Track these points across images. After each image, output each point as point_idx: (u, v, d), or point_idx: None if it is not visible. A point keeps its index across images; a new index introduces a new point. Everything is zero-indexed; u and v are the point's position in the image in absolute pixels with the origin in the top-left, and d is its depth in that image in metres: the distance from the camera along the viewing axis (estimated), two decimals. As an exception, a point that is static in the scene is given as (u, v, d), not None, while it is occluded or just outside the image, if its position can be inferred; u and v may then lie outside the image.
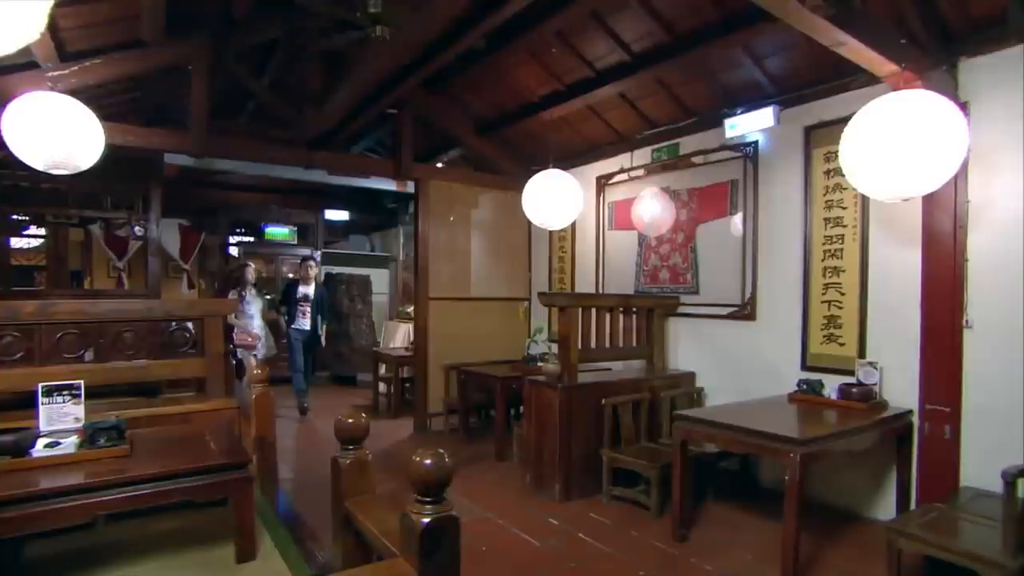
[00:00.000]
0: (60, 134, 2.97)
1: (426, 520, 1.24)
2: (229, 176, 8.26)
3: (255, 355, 5.98)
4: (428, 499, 1.26)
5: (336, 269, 8.91)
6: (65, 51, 3.81)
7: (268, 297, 6.74)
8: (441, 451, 1.28)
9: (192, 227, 8.40)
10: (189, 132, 4.65)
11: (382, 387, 6.83)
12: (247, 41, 4.75)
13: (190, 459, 2.34)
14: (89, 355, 3.17)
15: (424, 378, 5.75)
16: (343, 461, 1.71)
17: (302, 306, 6.39)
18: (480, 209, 6.22)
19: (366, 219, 10.58)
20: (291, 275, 8.65)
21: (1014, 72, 2.96)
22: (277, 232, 9.72)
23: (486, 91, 5.47)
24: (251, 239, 9.67)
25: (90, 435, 2.35)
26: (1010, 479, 2.16)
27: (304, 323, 6.39)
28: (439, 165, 6.60)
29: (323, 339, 6.73)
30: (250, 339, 6.05)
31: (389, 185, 6.74)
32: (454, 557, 1.28)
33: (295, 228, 9.78)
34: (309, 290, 6.45)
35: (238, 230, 9.76)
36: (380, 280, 9.39)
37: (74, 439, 2.33)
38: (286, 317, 6.45)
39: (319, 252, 9.12)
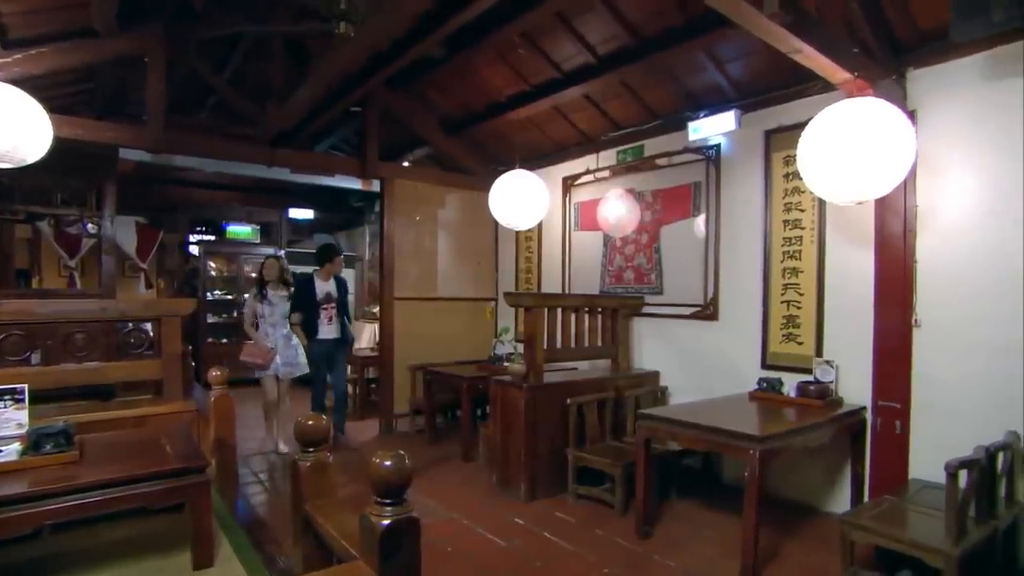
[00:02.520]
0: (2, 125, 2.83)
1: (386, 522, 1.22)
2: (189, 173, 8.00)
3: (276, 373, 4.89)
4: (388, 501, 1.25)
5: (300, 268, 8.73)
6: (7, 38, 3.65)
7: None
8: (401, 452, 1.27)
9: (150, 225, 8.16)
10: (145, 127, 4.50)
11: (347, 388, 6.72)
12: (207, 33, 4.62)
13: (144, 464, 2.25)
14: (36, 357, 3.04)
15: (390, 379, 5.70)
16: (303, 464, 1.68)
17: (326, 308, 5.07)
18: (446, 209, 6.19)
19: (331, 218, 10.39)
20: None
21: (958, 83, 3.11)
22: (239, 231, 9.47)
23: (453, 91, 5.45)
24: (212, 238, 9.41)
25: (34, 441, 2.24)
26: (952, 471, 2.26)
27: (331, 330, 5.07)
28: (405, 164, 6.55)
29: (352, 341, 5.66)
30: (260, 355, 4.79)
31: (354, 184, 6.63)
32: (414, 559, 1.27)
33: (258, 227, 9.55)
34: (332, 288, 5.19)
35: (198, 228, 9.47)
36: (345, 279, 9.26)
37: (16, 446, 2.23)
38: (303, 327, 4.99)
39: (282, 251, 8.93)
